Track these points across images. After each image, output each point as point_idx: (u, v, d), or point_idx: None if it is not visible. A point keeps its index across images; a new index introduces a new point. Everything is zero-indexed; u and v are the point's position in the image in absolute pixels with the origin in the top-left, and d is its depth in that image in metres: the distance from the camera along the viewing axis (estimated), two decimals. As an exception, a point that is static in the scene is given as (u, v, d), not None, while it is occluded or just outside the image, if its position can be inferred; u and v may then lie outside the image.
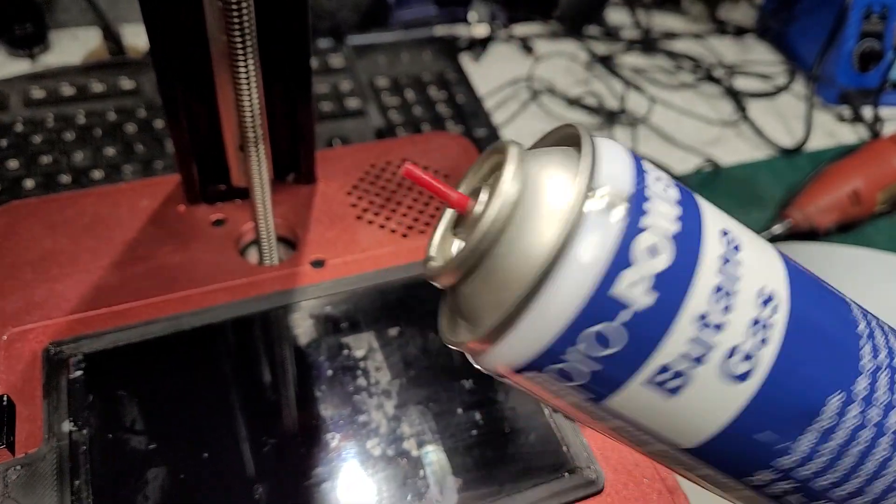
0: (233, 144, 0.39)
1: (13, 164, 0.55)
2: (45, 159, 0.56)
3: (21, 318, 0.36)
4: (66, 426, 0.33)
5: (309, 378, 0.36)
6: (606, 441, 0.34)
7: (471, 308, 0.20)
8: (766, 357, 0.20)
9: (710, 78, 0.80)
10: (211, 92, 0.37)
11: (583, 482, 0.33)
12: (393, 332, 0.38)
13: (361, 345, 0.37)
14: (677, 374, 0.20)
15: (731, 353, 0.20)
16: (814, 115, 0.75)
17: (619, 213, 0.19)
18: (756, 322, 0.20)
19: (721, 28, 0.89)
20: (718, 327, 0.20)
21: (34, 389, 0.34)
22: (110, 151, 0.57)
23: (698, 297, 0.19)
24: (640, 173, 0.20)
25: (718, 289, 0.20)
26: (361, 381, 0.36)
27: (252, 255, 0.41)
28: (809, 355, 0.21)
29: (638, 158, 0.21)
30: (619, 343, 0.19)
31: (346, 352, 0.37)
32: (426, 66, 0.73)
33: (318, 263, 0.40)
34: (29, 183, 0.54)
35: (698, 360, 0.20)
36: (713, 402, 0.20)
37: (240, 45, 0.32)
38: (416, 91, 0.69)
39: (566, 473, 0.34)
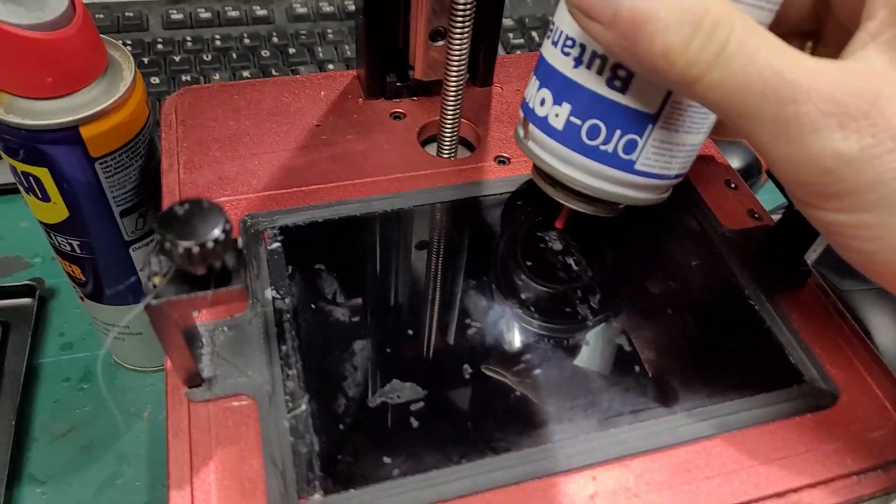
0: (422, 34, 0.38)
1: (155, 80, 0.55)
2: (186, 77, 0.55)
3: (213, 190, 0.35)
4: (269, 293, 0.31)
5: (508, 267, 0.34)
6: (837, 354, 0.32)
7: None
8: None
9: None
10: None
11: (813, 394, 0.30)
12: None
13: (559, 239, 0.35)
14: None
15: None
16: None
17: None
18: None
19: None
20: None
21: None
22: (246, 74, 0.56)
23: None
24: None
25: None
26: (562, 275, 0.34)
27: (431, 152, 0.40)
28: None
29: None
30: None
31: (542, 245, 0.35)
32: None
33: (503, 161, 0.38)
34: (173, 98, 0.53)
35: None
36: None
37: None
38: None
39: (795, 384, 0.31)
